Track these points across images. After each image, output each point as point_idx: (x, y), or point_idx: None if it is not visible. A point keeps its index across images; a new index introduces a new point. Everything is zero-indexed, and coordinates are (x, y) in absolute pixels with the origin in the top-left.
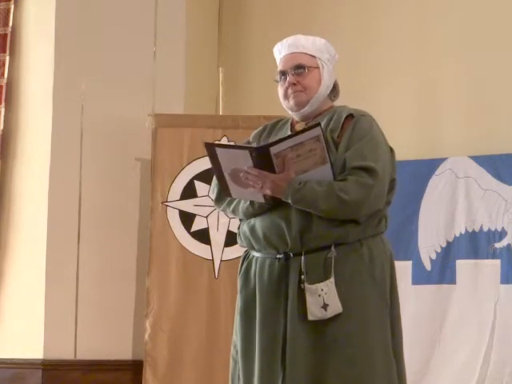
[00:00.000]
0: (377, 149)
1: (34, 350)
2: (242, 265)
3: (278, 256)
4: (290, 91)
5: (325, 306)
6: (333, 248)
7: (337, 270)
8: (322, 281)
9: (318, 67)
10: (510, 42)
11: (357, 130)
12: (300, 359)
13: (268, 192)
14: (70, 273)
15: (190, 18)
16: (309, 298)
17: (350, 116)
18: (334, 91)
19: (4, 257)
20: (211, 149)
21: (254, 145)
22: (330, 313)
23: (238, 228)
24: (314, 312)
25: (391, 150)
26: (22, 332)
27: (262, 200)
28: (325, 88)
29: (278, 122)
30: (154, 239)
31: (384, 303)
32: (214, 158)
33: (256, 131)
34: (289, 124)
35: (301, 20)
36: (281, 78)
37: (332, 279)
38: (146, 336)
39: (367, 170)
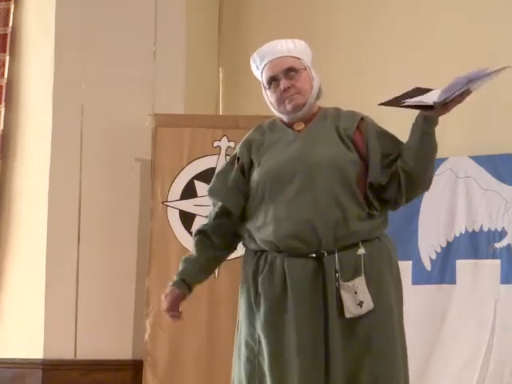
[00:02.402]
0: None
1: (34, 350)
2: (256, 267)
3: (310, 255)
4: (285, 95)
5: (360, 303)
6: (361, 245)
7: (365, 268)
8: (353, 278)
9: (305, 68)
10: (510, 41)
11: (381, 131)
12: (339, 356)
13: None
14: (70, 273)
15: (190, 18)
16: (345, 296)
17: (362, 119)
18: (319, 92)
19: (4, 256)
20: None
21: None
22: (364, 309)
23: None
24: (351, 309)
25: None
26: (22, 332)
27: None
28: (316, 88)
29: (259, 129)
30: (154, 239)
31: (401, 300)
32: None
33: (254, 133)
34: (281, 126)
35: (301, 20)
36: (271, 84)
37: (362, 276)
38: (146, 336)
39: None
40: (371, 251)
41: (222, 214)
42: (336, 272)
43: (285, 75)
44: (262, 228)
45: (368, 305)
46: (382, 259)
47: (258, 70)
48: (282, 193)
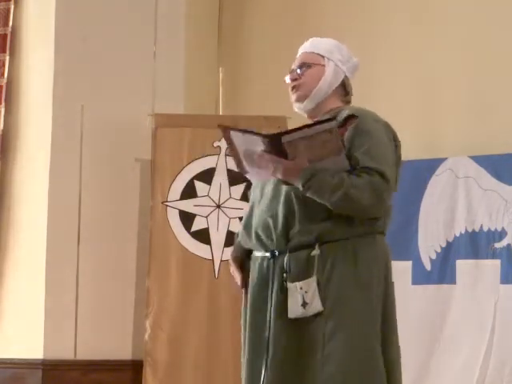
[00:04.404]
0: (385, 151)
1: (34, 350)
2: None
3: (266, 255)
4: (290, 86)
5: (304, 305)
6: (317, 246)
7: (319, 269)
8: (303, 279)
9: (323, 65)
10: (510, 41)
11: (360, 130)
12: (280, 357)
13: (279, 176)
14: (70, 273)
15: (190, 18)
16: (289, 297)
17: (353, 116)
18: (344, 92)
19: (4, 257)
20: (226, 131)
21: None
22: (309, 311)
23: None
24: (294, 310)
25: (396, 145)
26: (22, 332)
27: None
28: (326, 84)
29: None
30: (153, 239)
31: (368, 307)
32: (228, 140)
33: None
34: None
35: (301, 20)
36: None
37: (313, 278)
38: (146, 336)
39: (380, 175)
40: (330, 253)
41: None
42: (283, 272)
43: (297, 69)
44: (243, 224)
45: (315, 307)
46: (340, 263)
47: None
48: (257, 192)
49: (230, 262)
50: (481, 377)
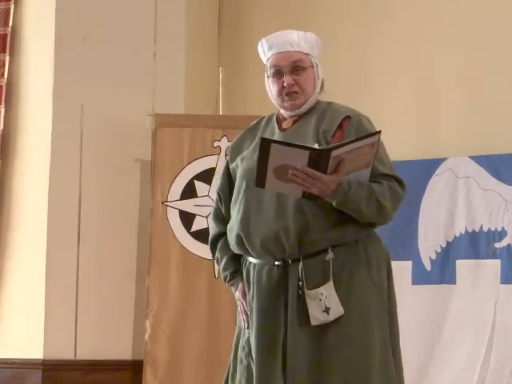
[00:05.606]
0: (387, 154)
1: (34, 350)
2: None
3: (276, 263)
4: (285, 91)
5: (327, 310)
6: (330, 250)
7: (335, 273)
8: (321, 285)
9: (312, 66)
10: (510, 41)
11: (363, 133)
12: (301, 363)
13: (315, 191)
14: (70, 273)
15: (190, 18)
16: (310, 303)
17: (347, 117)
18: (321, 88)
19: (4, 256)
20: (266, 144)
21: (255, 152)
22: (332, 316)
23: (218, 237)
24: (317, 316)
25: None
26: (22, 332)
27: (299, 196)
28: (318, 88)
29: (257, 124)
30: (153, 239)
31: (382, 304)
32: (264, 153)
33: (235, 141)
34: (274, 121)
35: (300, 20)
36: (274, 74)
37: (331, 282)
38: (146, 336)
39: (398, 181)
40: (342, 255)
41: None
42: (299, 280)
43: (290, 71)
44: (232, 231)
45: (336, 311)
46: (355, 264)
47: (265, 56)
48: (252, 197)
49: (238, 291)
50: (481, 377)
